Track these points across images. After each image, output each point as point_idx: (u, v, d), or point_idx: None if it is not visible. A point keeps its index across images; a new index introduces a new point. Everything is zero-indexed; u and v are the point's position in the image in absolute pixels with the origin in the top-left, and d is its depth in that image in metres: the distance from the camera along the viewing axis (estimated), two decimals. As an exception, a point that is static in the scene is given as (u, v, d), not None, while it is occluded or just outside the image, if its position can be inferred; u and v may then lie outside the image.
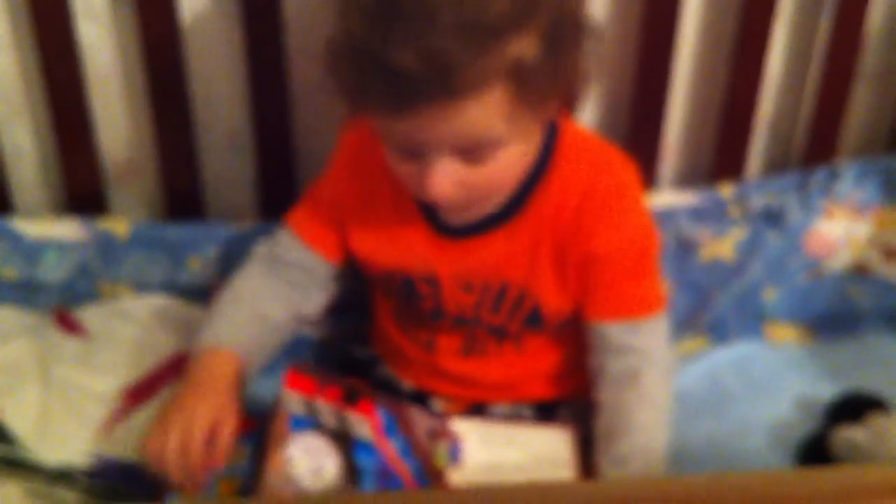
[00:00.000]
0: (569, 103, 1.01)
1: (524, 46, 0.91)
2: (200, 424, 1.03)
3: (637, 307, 1.09)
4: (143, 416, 1.18)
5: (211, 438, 1.03)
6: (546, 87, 0.94)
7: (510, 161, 0.99)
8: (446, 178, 0.96)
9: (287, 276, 1.16)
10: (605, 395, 1.09)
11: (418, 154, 0.96)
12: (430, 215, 1.10)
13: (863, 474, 0.50)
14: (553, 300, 1.09)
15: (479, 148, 0.95)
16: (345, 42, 0.93)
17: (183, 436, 1.02)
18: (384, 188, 1.10)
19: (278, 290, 1.16)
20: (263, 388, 1.19)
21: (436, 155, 0.95)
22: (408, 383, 1.20)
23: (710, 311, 1.38)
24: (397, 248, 1.11)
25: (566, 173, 1.06)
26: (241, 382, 1.09)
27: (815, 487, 0.48)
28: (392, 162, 1.01)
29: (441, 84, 0.88)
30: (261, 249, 1.18)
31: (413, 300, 1.13)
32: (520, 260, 1.08)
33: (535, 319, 1.11)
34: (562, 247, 1.07)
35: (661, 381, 1.10)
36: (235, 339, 1.11)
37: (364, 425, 1.03)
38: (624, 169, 1.09)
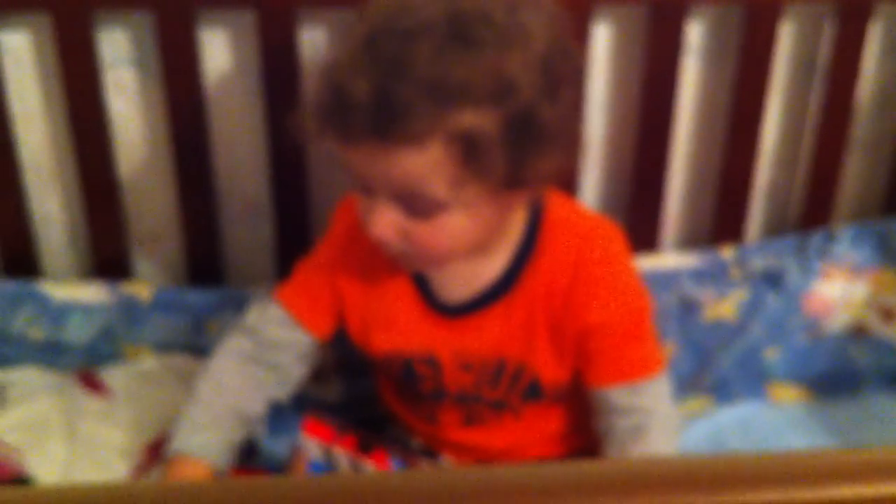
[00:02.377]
0: (531, 195, 1.02)
1: (481, 121, 0.92)
2: None
3: (638, 370, 1.09)
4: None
5: None
6: (499, 171, 0.94)
7: (453, 229, 0.98)
8: (386, 221, 0.98)
9: (270, 358, 1.15)
10: (613, 450, 1.09)
11: (367, 191, 0.99)
12: (426, 293, 1.11)
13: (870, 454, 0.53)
14: (551, 372, 1.10)
15: (418, 201, 0.96)
16: (327, 73, 0.96)
17: None
18: (380, 267, 1.10)
19: (259, 381, 1.14)
20: (277, 446, 1.23)
21: (380, 195, 0.98)
22: (417, 441, 1.22)
23: (714, 371, 1.40)
24: (395, 330, 1.12)
25: (555, 248, 1.07)
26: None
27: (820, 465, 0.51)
28: (357, 201, 1.03)
29: (383, 123, 0.91)
30: (249, 323, 1.16)
31: (413, 382, 1.14)
32: (516, 336, 1.09)
33: (534, 391, 1.12)
34: (557, 321, 1.08)
35: (666, 437, 1.10)
36: (207, 446, 1.10)
37: None
38: (611, 237, 1.10)
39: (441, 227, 0.98)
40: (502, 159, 0.94)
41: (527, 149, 0.95)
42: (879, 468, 0.50)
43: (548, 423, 1.18)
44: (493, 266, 1.08)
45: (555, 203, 1.10)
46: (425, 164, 0.93)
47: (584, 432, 1.16)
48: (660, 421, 1.10)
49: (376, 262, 1.10)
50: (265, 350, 1.15)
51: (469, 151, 0.93)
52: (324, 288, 1.14)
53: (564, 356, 1.09)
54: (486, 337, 1.09)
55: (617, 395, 1.09)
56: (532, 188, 1.00)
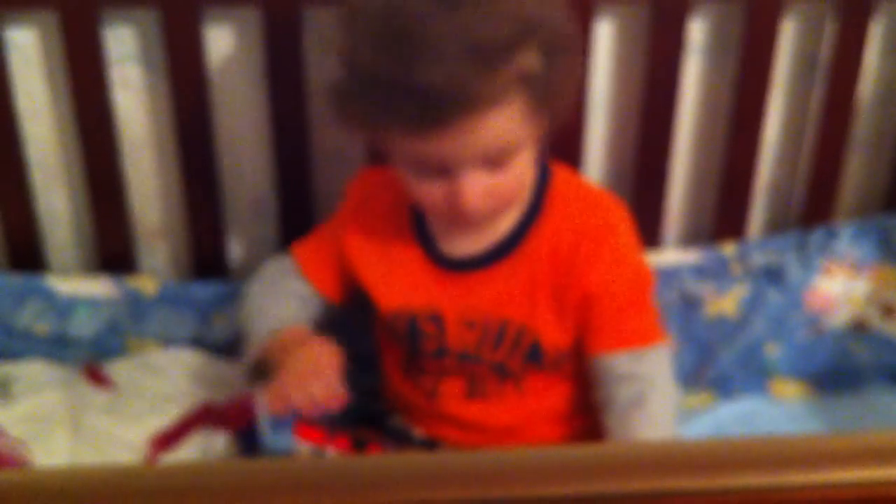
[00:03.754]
0: (564, 108, 1.09)
1: (528, 59, 1.00)
2: (331, 363, 1.09)
3: (638, 338, 1.13)
4: (169, 462, 1.23)
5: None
6: (549, 92, 1.03)
7: (525, 165, 1.07)
8: (476, 189, 1.03)
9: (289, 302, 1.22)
10: (613, 420, 1.11)
11: (445, 171, 1.03)
12: (431, 249, 1.15)
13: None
14: (551, 335, 1.13)
15: (504, 154, 1.03)
16: (364, 77, 1.00)
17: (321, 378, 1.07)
18: (388, 228, 1.17)
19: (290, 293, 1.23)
20: (277, 444, 1.23)
21: (464, 168, 1.02)
22: (419, 431, 1.24)
23: (715, 367, 1.41)
24: (403, 286, 1.16)
25: (559, 213, 1.13)
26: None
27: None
28: (415, 187, 1.06)
29: (466, 101, 0.96)
30: (268, 271, 1.25)
31: (417, 341, 1.17)
32: (519, 297, 1.13)
33: (534, 355, 1.15)
34: (559, 285, 1.12)
35: (666, 405, 1.12)
36: (292, 318, 1.18)
37: None
38: (615, 210, 1.15)
39: (519, 169, 1.06)
40: (548, 83, 1.02)
41: (558, 62, 1.03)
42: (870, 453, 0.51)
43: (550, 400, 1.20)
44: (501, 224, 1.13)
45: (562, 171, 1.17)
46: (510, 116, 1.00)
47: (588, 414, 1.18)
48: (659, 390, 1.12)
49: (385, 226, 1.17)
50: (280, 293, 1.22)
51: (530, 88, 1.01)
52: (331, 247, 1.21)
53: (565, 320, 1.13)
54: (490, 295, 1.14)
55: (618, 362, 1.12)
56: (565, 98, 1.07)
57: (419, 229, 1.16)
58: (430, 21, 0.96)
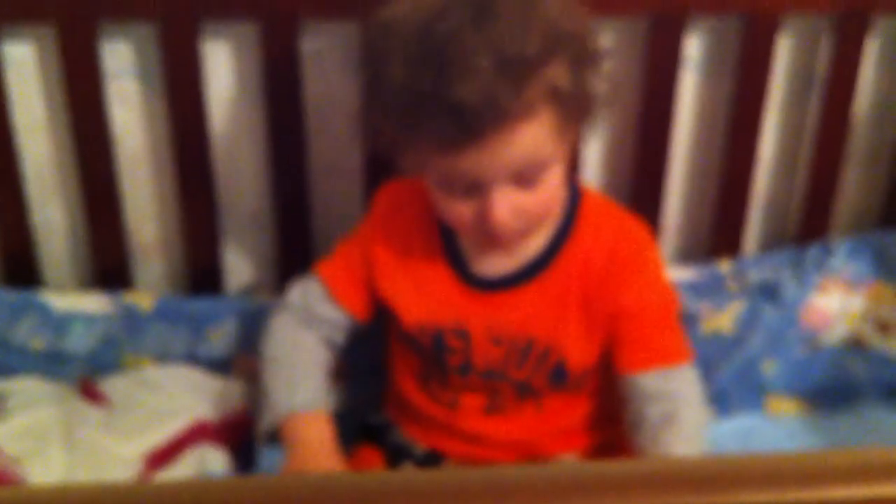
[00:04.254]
0: (593, 122, 1.10)
1: (558, 73, 1.01)
2: None
3: (668, 356, 1.14)
4: (164, 478, 1.22)
5: None
6: (578, 107, 1.05)
7: (556, 182, 1.06)
8: (507, 206, 1.03)
9: (318, 330, 1.21)
10: (645, 439, 1.11)
11: (475, 189, 1.03)
12: (461, 268, 1.16)
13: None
14: (577, 354, 1.14)
15: (534, 170, 1.03)
16: (396, 95, 1.01)
17: None
18: (416, 243, 1.17)
19: (318, 337, 1.21)
20: (274, 460, 1.23)
21: (495, 185, 1.02)
22: (421, 446, 1.23)
23: (712, 384, 1.39)
24: (430, 301, 1.16)
25: (591, 233, 1.14)
26: (336, 440, 1.15)
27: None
28: (446, 206, 1.07)
29: (497, 114, 0.97)
30: (294, 300, 1.22)
31: (442, 355, 1.17)
32: (547, 316, 1.13)
33: (559, 374, 1.15)
34: (590, 301, 1.13)
35: (698, 420, 1.13)
36: (314, 398, 1.16)
37: None
38: (643, 231, 1.17)
39: (550, 186, 1.05)
40: (577, 96, 1.03)
41: (585, 76, 1.04)
42: (868, 469, 0.50)
43: (568, 418, 1.20)
44: (532, 244, 1.13)
45: (591, 195, 1.18)
46: (540, 130, 1.00)
47: (604, 428, 1.18)
48: (690, 407, 1.13)
49: (412, 241, 1.17)
50: (314, 323, 1.21)
51: (560, 103, 1.01)
52: (359, 265, 1.19)
53: (593, 338, 1.14)
54: (519, 313, 1.14)
55: (648, 380, 1.13)
56: (594, 112, 1.08)
57: (448, 245, 1.16)
58: (462, 37, 0.97)
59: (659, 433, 1.10)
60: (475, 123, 0.97)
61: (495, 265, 1.14)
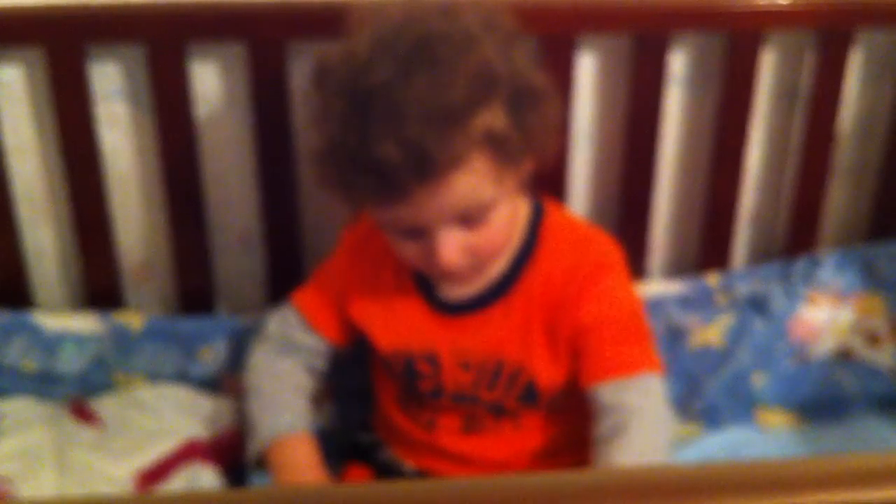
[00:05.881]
0: (541, 158, 1.09)
1: (492, 117, 1.00)
2: None
3: (624, 368, 1.12)
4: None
5: None
6: (519, 147, 1.03)
7: (503, 220, 1.06)
8: (453, 247, 1.03)
9: (297, 357, 1.23)
10: (595, 452, 1.10)
11: (420, 233, 1.04)
12: (428, 293, 1.16)
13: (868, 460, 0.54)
14: (546, 374, 1.14)
15: (477, 212, 1.03)
16: (329, 149, 1.01)
17: None
18: (385, 272, 1.18)
19: (298, 363, 1.23)
20: (262, 481, 1.23)
21: (438, 228, 1.02)
22: (409, 465, 1.24)
23: (702, 397, 1.41)
24: (400, 327, 1.17)
25: (552, 252, 1.14)
26: (322, 460, 1.17)
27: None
28: (397, 247, 1.08)
29: (425, 167, 0.96)
30: (272, 330, 1.24)
31: (414, 381, 1.18)
32: (514, 337, 1.14)
33: (530, 395, 1.15)
34: (553, 322, 1.12)
35: (648, 436, 1.09)
36: (297, 421, 1.18)
37: None
38: (606, 246, 1.16)
39: (494, 225, 1.05)
40: (517, 137, 1.02)
41: (525, 115, 1.03)
42: (853, 475, 0.51)
43: (548, 436, 1.19)
44: (494, 267, 1.13)
45: (553, 210, 1.18)
46: (473, 176, 1.00)
47: (576, 452, 1.17)
48: (643, 419, 1.09)
49: (381, 268, 1.18)
50: (293, 351, 1.23)
51: (496, 146, 1.01)
52: (332, 294, 1.21)
53: (560, 358, 1.13)
54: (485, 336, 1.14)
55: (604, 392, 1.11)
56: (539, 149, 1.07)
57: (416, 272, 1.16)
58: (388, 91, 0.96)
59: (606, 446, 1.08)
60: (400, 181, 0.97)
61: (462, 288, 1.15)
